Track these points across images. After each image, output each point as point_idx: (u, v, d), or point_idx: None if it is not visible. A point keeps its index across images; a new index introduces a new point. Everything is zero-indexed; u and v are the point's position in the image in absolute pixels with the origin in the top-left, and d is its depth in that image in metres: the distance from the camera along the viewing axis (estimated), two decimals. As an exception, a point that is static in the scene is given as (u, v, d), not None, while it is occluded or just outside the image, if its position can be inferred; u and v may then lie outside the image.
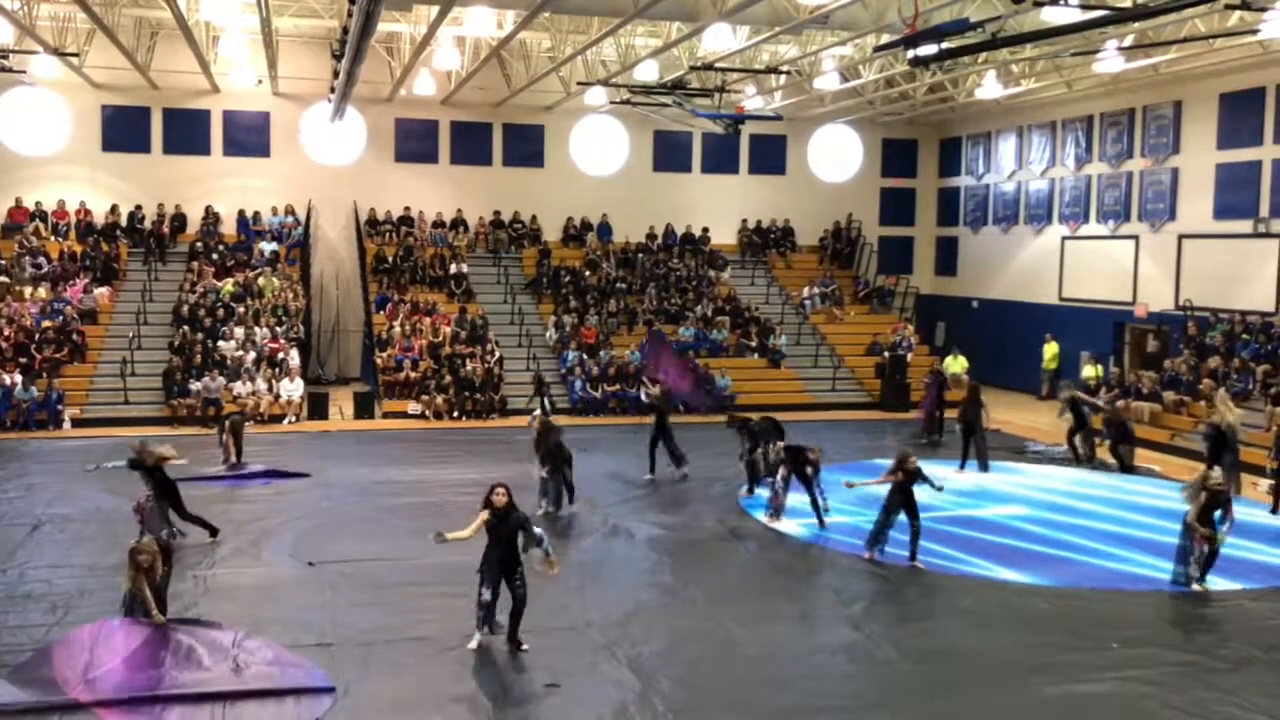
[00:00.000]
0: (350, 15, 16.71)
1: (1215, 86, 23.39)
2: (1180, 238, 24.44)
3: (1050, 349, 27.24)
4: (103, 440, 20.39)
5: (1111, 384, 23.29)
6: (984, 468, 18.45)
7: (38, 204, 27.05)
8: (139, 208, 27.59)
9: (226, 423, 18.10)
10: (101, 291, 25.54)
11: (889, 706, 9.18)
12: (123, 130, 27.59)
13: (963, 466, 18.47)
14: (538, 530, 10.24)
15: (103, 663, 9.12)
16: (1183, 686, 9.53)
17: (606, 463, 18.89)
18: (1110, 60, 21.58)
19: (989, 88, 25.41)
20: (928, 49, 14.21)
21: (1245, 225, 22.75)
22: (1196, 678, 9.74)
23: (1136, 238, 25.65)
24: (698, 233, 30.87)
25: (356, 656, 9.81)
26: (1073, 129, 27.58)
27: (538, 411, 19.12)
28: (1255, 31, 18.44)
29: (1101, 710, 9.11)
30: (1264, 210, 22.38)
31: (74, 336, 23.69)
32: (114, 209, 27.38)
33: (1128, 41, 20.67)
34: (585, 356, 25.33)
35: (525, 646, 10.02)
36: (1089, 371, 25.00)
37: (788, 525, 14.83)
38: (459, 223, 29.50)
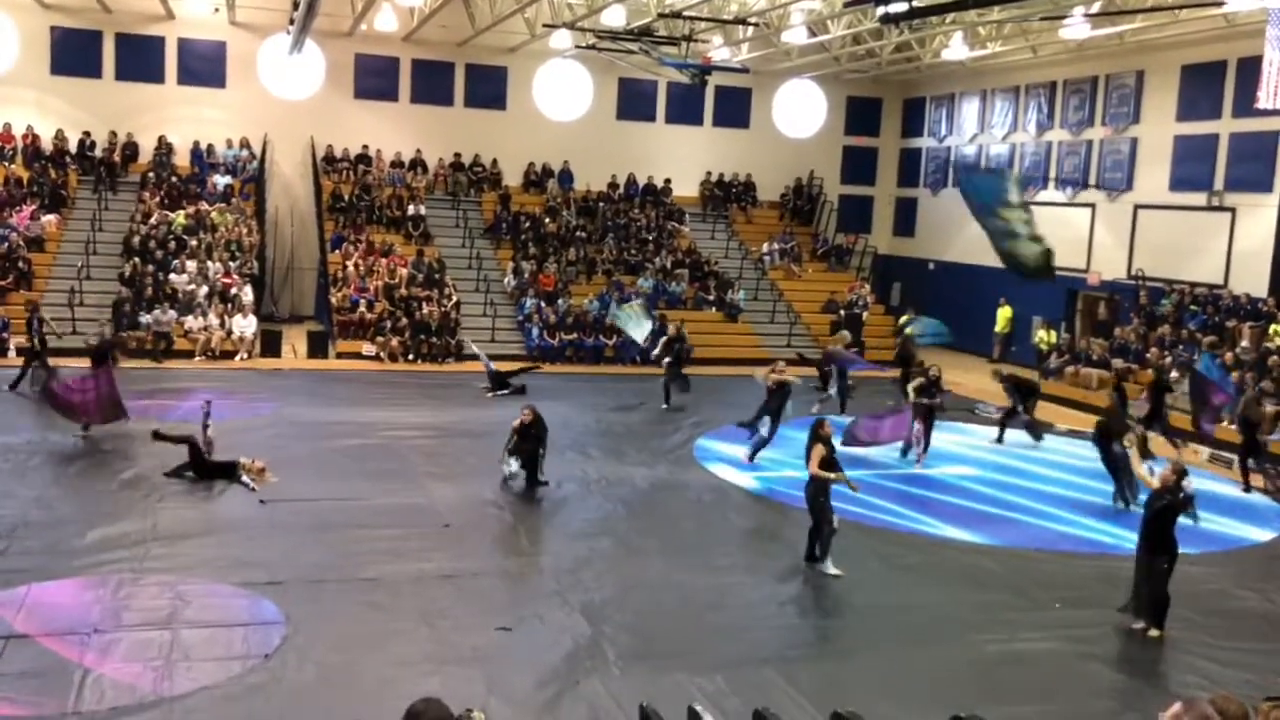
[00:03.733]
0: (314, -56, 16.33)
1: (1177, 58, 23.54)
2: (1136, 207, 24.71)
3: (1004, 313, 27.51)
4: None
5: (1062, 349, 23.66)
6: None
7: (-18, 127, 26.31)
8: (88, 134, 26.89)
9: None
10: (49, 219, 24.92)
11: (834, 657, 9.33)
12: (73, 54, 26.73)
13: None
14: None
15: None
16: (1122, 646, 9.79)
17: (560, 410, 18.88)
18: (1076, 26, 21.64)
19: (955, 49, 25.40)
20: (898, 6, 14.24)
21: (1200, 198, 23.04)
22: (1135, 638, 9.99)
23: (1093, 206, 25.90)
24: (659, 183, 30.71)
25: (307, 595, 9.79)
26: (1036, 94, 27.69)
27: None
28: (1220, 3, 18.54)
29: (1042, 666, 9.31)
30: (1219, 184, 22.67)
31: (19, 264, 23.14)
32: (59, 134, 26.63)
33: (1095, 8, 20.74)
34: (543, 304, 25.21)
35: None
36: (1041, 336, 25.32)
37: (739, 478, 14.95)
38: (418, 163, 29.07)
